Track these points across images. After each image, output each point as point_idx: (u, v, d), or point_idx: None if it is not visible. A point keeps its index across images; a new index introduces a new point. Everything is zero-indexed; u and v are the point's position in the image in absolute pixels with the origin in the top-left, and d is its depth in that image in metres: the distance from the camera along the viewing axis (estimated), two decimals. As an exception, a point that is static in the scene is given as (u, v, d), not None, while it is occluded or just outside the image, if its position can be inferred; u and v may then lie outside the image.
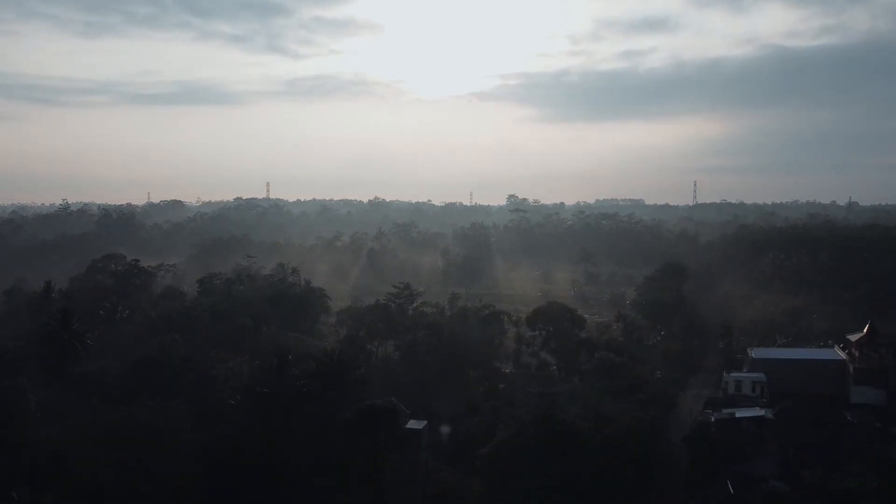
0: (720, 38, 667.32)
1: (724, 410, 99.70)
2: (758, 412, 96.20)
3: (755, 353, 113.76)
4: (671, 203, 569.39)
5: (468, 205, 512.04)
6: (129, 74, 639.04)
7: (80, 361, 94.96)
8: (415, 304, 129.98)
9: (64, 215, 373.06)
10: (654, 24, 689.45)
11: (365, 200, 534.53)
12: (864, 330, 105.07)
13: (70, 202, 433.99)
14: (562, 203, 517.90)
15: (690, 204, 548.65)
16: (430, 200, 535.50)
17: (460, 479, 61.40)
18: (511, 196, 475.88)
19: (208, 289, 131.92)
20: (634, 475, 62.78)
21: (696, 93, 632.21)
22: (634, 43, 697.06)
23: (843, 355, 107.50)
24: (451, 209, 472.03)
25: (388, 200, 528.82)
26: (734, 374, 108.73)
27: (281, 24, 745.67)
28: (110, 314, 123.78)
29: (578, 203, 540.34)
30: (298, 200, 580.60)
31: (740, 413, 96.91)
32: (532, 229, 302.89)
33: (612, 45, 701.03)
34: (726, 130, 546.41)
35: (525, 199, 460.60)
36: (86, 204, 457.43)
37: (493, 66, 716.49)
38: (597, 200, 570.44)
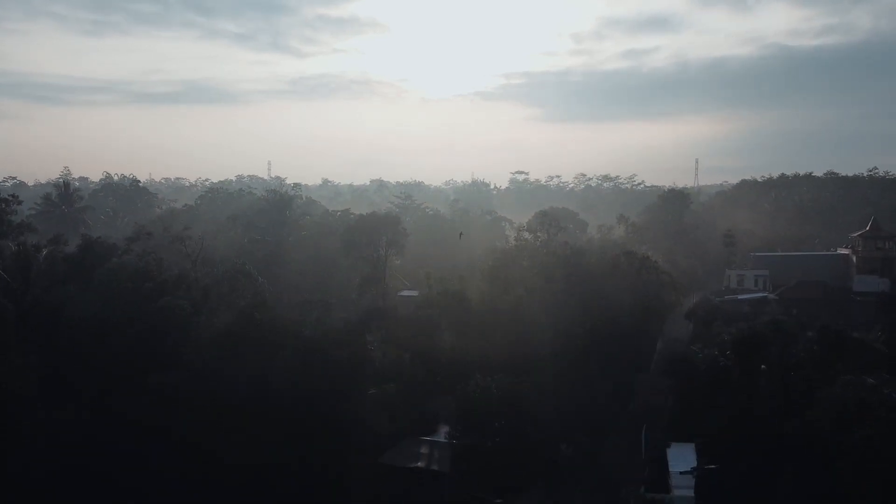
0: (724, 37, 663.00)
1: (727, 297, 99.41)
2: (761, 294, 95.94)
3: (757, 253, 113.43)
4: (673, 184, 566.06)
5: (470, 182, 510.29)
6: (135, 73, 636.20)
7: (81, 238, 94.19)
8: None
9: (68, 181, 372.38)
10: (658, 24, 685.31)
11: (368, 182, 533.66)
12: (868, 226, 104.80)
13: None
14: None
15: (692, 185, 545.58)
16: (432, 185, 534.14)
17: (461, 280, 60.97)
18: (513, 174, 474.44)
19: (209, 200, 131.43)
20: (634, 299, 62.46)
21: (700, 92, 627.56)
22: (638, 42, 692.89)
23: (846, 251, 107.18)
24: (454, 185, 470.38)
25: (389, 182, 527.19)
26: (737, 271, 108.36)
27: (285, 22, 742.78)
28: (111, 220, 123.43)
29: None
30: (298, 184, 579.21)
31: (742, 297, 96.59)
32: (534, 191, 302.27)
33: (616, 44, 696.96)
34: (729, 130, 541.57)
35: (528, 175, 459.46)
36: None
37: (497, 66, 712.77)
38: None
